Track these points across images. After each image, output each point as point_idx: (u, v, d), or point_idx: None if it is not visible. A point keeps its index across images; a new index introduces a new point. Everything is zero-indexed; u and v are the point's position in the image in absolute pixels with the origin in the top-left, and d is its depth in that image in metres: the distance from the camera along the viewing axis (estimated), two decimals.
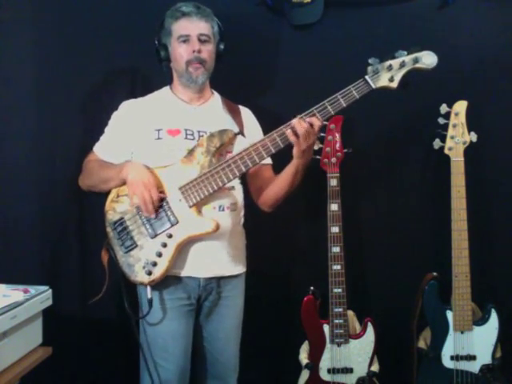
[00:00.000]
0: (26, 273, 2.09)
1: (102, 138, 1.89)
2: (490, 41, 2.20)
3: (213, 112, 1.89)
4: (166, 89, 1.92)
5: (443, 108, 2.08)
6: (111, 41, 2.16)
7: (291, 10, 2.18)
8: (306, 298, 2.08)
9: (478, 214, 2.18)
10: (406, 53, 1.71)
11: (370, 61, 1.71)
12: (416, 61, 1.71)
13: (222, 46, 1.90)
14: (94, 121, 2.13)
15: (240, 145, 1.80)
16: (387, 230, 2.28)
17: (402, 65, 1.71)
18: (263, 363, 2.29)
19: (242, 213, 1.89)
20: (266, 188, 1.89)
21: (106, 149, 1.87)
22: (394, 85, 1.72)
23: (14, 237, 2.15)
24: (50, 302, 1.75)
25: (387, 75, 1.71)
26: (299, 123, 1.66)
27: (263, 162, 1.80)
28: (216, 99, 1.94)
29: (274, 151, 1.72)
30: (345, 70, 2.23)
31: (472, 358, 2.09)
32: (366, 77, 1.71)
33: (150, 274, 1.70)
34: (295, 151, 1.71)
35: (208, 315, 1.85)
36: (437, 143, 2.10)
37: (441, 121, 2.09)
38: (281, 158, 1.82)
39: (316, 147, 2.06)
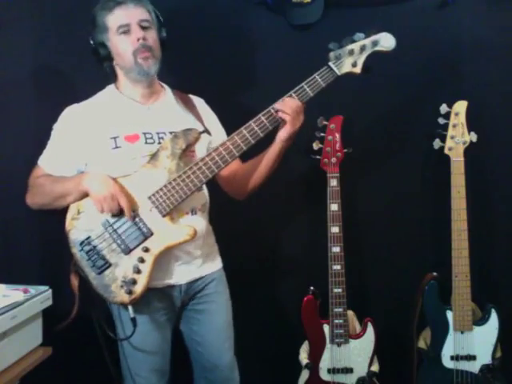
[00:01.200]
0: (25, 273, 2.09)
1: (46, 150, 1.75)
2: (490, 41, 2.20)
3: (168, 109, 1.76)
4: (111, 88, 1.76)
5: (443, 108, 2.07)
6: None
7: (291, 10, 2.17)
8: (305, 298, 2.08)
9: (478, 214, 2.18)
10: (363, 35, 1.67)
11: (330, 46, 1.68)
12: (375, 44, 1.67)
13: (164, 34, 1.75)
14: None
15: (204, 141, 1.71)
16: (387, 230, 2.28)
17: (363, 48, 1.67)
18: (263, 363, 2.29)
19: (208, 211, 1.81)
20: (239, 178, 1.81)
21: (54, 162, 1.72)
22: (358, 70, 1.68)
23: (14, 237, 2.15)
24: (49, 302, 1.75)
25: (350, 60, 1.67)
26: (284, 103, 1.62)
27: None
28: (167, 93, 1.80)
29: (245, 148, 1.63)
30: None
31: (472, 357, 2.09)
32: (330, 63, 1.67)
33: (130, 292, 1.58)
34: (284, 133, 1.64)
35: (195, 316, 1.79)
36: (437, 143, 2.10)
37: (441, 121, 2.09)
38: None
39: (316, 147, 2.06)
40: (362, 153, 2.17)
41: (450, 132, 2.08)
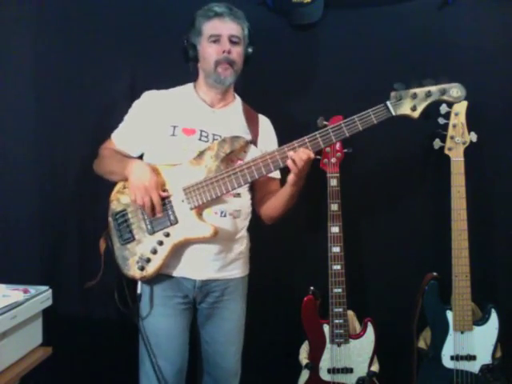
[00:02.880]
0: (25, 273, 2.09)
1: (120, 125, 1.87)
2: (490, 41, 2.20)
3: (231, 117, 1.87)
4: (190, 86, 1.90)
5: (443, 108, 2.07)
6: (111, 40, 2.16)
7: (291, 10, 2.18)
8: (306, 298, 2.08)
9: (478, 214, 2.18)
10: (433, 82, 1.64)
11: (395, 86, 1.65)
12: (443, 92, 1.66)
13: (250, 50, 1.88)
14: (95, 121, 2.14)
15: (253, 155, 1.79)
16: (387, 230, 2.28)
17: (428, 95, 1.65)
18: (263, 363, 2.29)
19: (248, 219, 1.88)
20: (267, 203, 1.88)
21: (122, 138, 1.85)
22: (416, 115, 1.67)
23: (14, 237, 2.15)
24: (49, 302, 1.76)
25: (410, 104, 1.66)
26: (298, 155, 1.65)
27: (272, 175, 1.81)
28: (237, 104, 1.93)
29: (282, 165, 1.70)
30: (345, 70, 2.24)
31: (472, 358, 2.09)
32: (388, 102, 1.67)
33: (142, 269, 1.71)
34: (291, 178, 1.71)
35: (208, 318, 1.84)
36: (437, 143, 2.10)
37: (441, 121, 2.09)
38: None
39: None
40: (362, 153, 2.17)
41: (450, 132, 2.08)
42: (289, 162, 1.67)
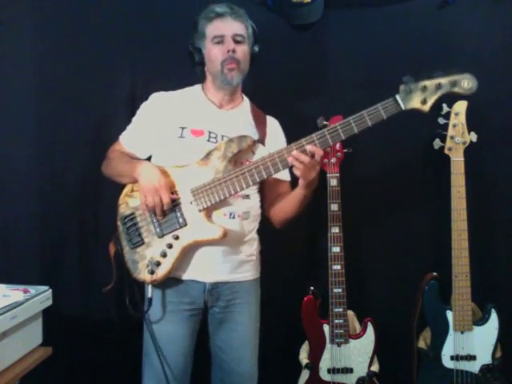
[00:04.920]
0: (26, 273, 2.09)
1: (128, 127, 1.86)
2: (490, 41, 2.20)
3: (239, 118, 1.86)
4: (198, 87, 1.89)
5: (443, 108, 2.07)
6: (111, 40, 2.16)
7: (291, 10, 2.17)
8: (306, 298, 2.08)
9: (478, 214, 2.17)
10: (443, 74, 1.61)
11: (403, 79, 1.60)
12: (454, 84, 1.60)
13: (256, 48, 1.86)
14: (95, 121, 2.14)
15: (261, 155, 1.76)
16: (387, 230, 2.28)
17: (438, 87, 1.59)
18: (263, 363, 2.29)
19: (258, 221, 1.86)
20: (277, 205, 1.85)
21: (131, 140, 1.84)
22: (426, 108, 1.61)
23: (14, 237, 2.15)
24: (49, 302, 1.76)
25: (420, 97, 1.60)
26: (296, 159, 1.61)
27: (281, 177, 1.80)
28: (245, 105, 1.91)
29: (291, 164, 1.66)
30: (345, 69, 2.24)
31: (472, 358, 2.09)
32: (397, 96, 1.61)
33: (152, 273, 1.69)
34: (300, 182, 1.68)
35: (221, 323, 1.82)
36: (437, 143, 2.10)
37: (441, 121, 2.09)
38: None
39: None
40: (362, 153, 2.17)
41: (450, 132, 2.08)
42: (290, 160, 1.63)
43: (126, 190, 1.78)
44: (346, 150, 2.08)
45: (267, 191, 1.88)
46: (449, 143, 2.08)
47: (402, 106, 1.61)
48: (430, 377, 2.12)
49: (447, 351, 2.09)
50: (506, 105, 2.23)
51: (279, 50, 2.22)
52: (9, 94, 2.13)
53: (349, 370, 2.10)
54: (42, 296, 1.72)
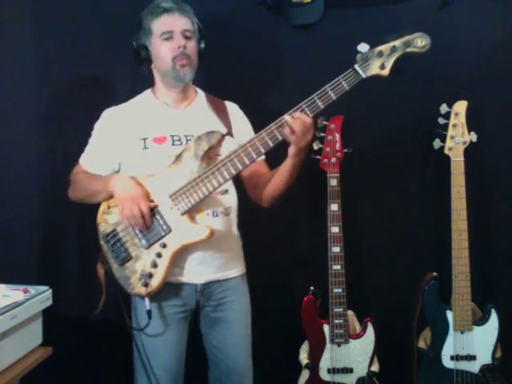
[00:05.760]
0: (26, 273, 2.09)
1: (86, 149, 1.83)
2: (490, 41, 2.20)
3: (198, 113, 1.82)
4: (148, 92, 1.85)
5: (443, 108, 2.08)
6: (111, 40, 2.16)
7: (291, 10, 2.17)
8: (306, 298, 2.08)
9: (478, 213, 2.18)
10: (396, 36, 1.62)
11: (358, 48, 1.62)
12: (408, 44, 1.61)
13: (202, 45, 1.82)
14: (95, 121, 2.14)
15: (229, 146, 1.73)
16: (387, 230, 2.28)
17: (393, 50, 1.60)
18: (263, 363, 2.29)
19: (237, 214, 1.84)
20: (263, 185, 1.82)
21: (91, 161, 1.81)
22: (386, 72, 1.61)
23: (14, 237, 2.15)
24: (49, 302, 1.76)
25: (377, 62, 1.61)
26: (295, 120, 1.60)
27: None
28: (200, 98, 1.86)
29: (263, 151, 1.64)
30: (345, 69, 2.23)
31: (472, 358, 2.09)
32: (356, 66, 1.61)
33: (146, 285, 1.66)
34: (292, 150, 1.63)
35: (214, 322, 1.82)
36: (437, 143, 2.10)
37: (441, 121, 2.09)
38: (276, 154, 1.76)
39: (316, 147, 2.07)
40: (362, 153, 2.17)
41: (450, 132, 2.08)
42: (286, 130, 1.60)
43: (102, 207, 1.74)
44: (346, 150, 2.08)
45: (247, 177, 1.84)
46: (449, 143, 2.08)
47: (362, 75, 1.62)
48: (430, 377, 2.12)
49: (447, 351, 2.09)
50: (506, 105, 2.22)
51: (279, 50, 2.22)
52: (9, 93, 2.13)
53: (349, 370, 2.10)
54: (41, 296, 1.72)
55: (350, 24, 2.23)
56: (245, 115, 1.91)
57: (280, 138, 1.63)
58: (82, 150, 1.95)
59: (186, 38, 1.74)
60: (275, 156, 1.77)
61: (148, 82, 2.04)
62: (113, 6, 2.16)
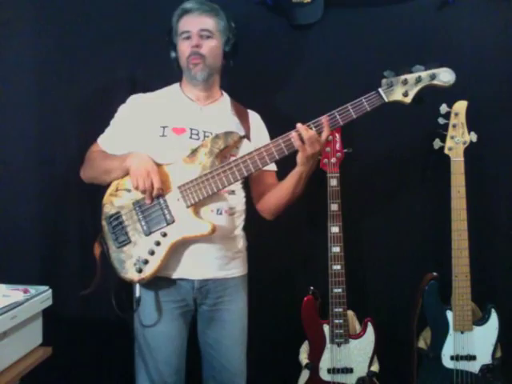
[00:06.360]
0: (26, 273, 2.09)
1: (106, 130, 1.87)
2: (490, 41, 2.20)
3: (220, 113, 1.87)
4: (176, 86, 1.90)
5: (443, 108, 2.08)
6: (111, 41, 2.16)
7: (291, 10, 2.18)
8: (306, 298, 2.08)
9: (478, 214, 2.18)
10: (423, 68, 1.66)
11: (385, 73, 1.67)
12: (433, 77, 1.66)
13: (227, 46, 1.86)
14: (95, 120, 2.13)
15: (245, 149, 1.78)
16: (387, 230, 2.28)
17: (418, 80, 1.66)
18: (263, 363, 2.29)
19: (243, 217, 1.86)
20: (268, 195, 1.85)
21: (109, 141, 1.85)
22: (408, 100, 1.67)
23: (14, 237, 2.15)
24: (49, 302, 1.75)
25: (401, 90, 1.66)
26: (305, 128, 1.63)
27: (267, 168, 1.78)
28: (225, 100, 1.92)
29: (277, 157, 1.68)
30: (345, 69, 2.24)
31: (472, 358, 2.09)
32: (380, 89, 1.67)
33: (140, 271, 1.69)
34: (299, 157, 1.67)
35: (210, 321, 1.83)
36: (437, 143, 2.10)
37: (441, 121, 2.09)
38: (286, 166, 1.79)
39: None
40: (362, 153, 2.17)
41: (450, 132, 2.08)
42: (293, 135, 1.63)
43: (111, 189, 1.77)
44: (346, 150, 2.08)
45: (255, 184, 1.88)
46: (449, 143, 2.08)
47: (385, 99, 1.67)
48: (430, 377, 2.12)
49: (447, 351, 2.09)
50: (506, 105, 2.23)
51: (279, 50, 2.22)
52: (9, 94, 2.12)
53: (349, 370, 2.10)
54: (42, 296, 1.72)
55: (350, 24, 2.23)
56: (265, 127, 1.94)
57: (295, 147, 1.66)
58: (82, 150, 1.96)
59: (204, 37, 1.78)
60: (285, 170, 1.79)
61: (150, 82, 2.06)
62: (113, 6, 2.16)
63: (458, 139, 2.07)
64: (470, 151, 2.09)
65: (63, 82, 2.15)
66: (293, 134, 1.64)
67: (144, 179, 1.67)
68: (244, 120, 1.88)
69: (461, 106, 2.06)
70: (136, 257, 1.70)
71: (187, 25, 1.79)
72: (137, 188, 1.69)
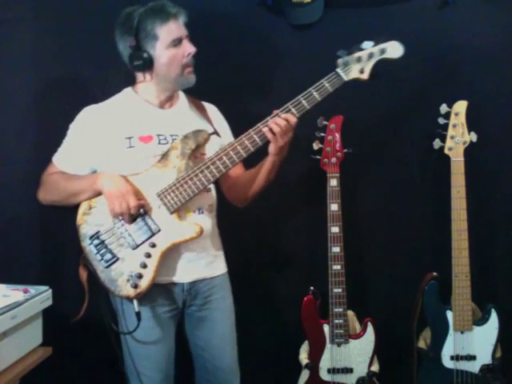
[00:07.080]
0: (26, 273, 2.09)
1: (61, 149, 1.80)
2: (490, 41, 2.20)
3: (182, 114, 1.82)
4: (129, 91, 1.81)
5: (443, 108, 2.08)
6: (111, 41, 2.16)
7: (291, 10, 2.17)
8: (306, 298, 2.08)
9: (478, 214, 2.18)
10: (372, 43, 1.72)
11: (338, 53, 1.72)
12: (383, 52, 1.72)
13: None
14: None
15: (213, 145, 1.74)
16: (387, 230, 2.28)
17: (370, 56, 1.71)
18: (263, 363, 2.29)
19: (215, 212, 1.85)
20: (240, 184, 1.83)
21: (69, 161, 1.77)
22: (365, 76, 1.72)
23: (14, 237, 2.14)
24: (49, 302, 1.75)
25: (358, 67, 1.71)
26: (274, 120, 1.63)
27: None
28: (182, 99, 1.86)
29: (252, 149, 1.66)
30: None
31: (472, 357, 2.09)
32: (338, 69, 1.71)
33: (135, 286, 1.64)
34: (272, 148, 1.66)
35: (199, 321, 1.81)
36: (437, 143, 2.10)
37: (441, 121, 2.09)
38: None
39: (316, 147, 2.07)
40: (363, 153, 2.17)
41: (450, 132, 2.08)
42: (265, 130, 1.63)
43: (83, 208, 1.71)
44: (346, 150, 2.08)
45: (223, 177, 1.79)
46: (449, 143, 2.08)
47: (344, 77, 1.70)
48: (430, 377, 2.12)
49: (447, 351, 2.09)
50: (506, 105, 2.22)
51: (279, 49, 2.22)
52: (9, 94, 2.12)
53: (349, 370, 2.10)
54: (42, 296, 1.72)
55: (350, 24, 2.23)
56: (222, 116, 1.92)
57: (268, 137, 1.65)
58: None
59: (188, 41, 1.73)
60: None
61: None
62: (113, 6, 2.16)
63: (458, 139, 2.07)
64: (469, 151, 2.09)
65: (63, 82, 2.15)
66: (265, 129, 1.64)
67: (120, 202, 1.61)
68: (204, 114, 1.84)
69: (461, 105, 2.06)
70: (128, 272, 1.65)
71: (177, 31, 1.70)
72: (112, 211, 1.64)
